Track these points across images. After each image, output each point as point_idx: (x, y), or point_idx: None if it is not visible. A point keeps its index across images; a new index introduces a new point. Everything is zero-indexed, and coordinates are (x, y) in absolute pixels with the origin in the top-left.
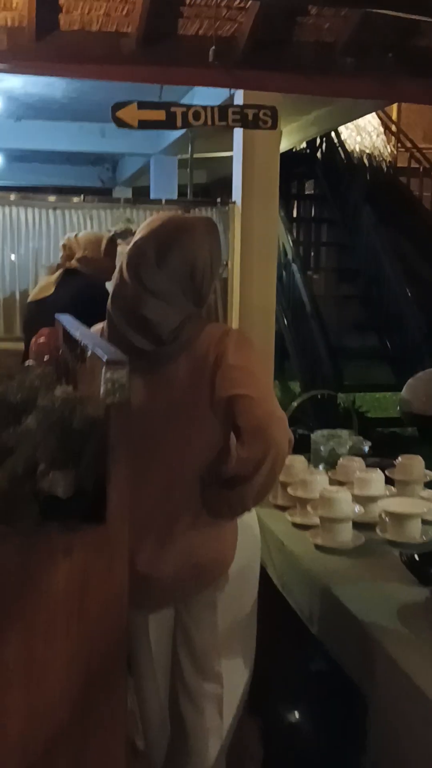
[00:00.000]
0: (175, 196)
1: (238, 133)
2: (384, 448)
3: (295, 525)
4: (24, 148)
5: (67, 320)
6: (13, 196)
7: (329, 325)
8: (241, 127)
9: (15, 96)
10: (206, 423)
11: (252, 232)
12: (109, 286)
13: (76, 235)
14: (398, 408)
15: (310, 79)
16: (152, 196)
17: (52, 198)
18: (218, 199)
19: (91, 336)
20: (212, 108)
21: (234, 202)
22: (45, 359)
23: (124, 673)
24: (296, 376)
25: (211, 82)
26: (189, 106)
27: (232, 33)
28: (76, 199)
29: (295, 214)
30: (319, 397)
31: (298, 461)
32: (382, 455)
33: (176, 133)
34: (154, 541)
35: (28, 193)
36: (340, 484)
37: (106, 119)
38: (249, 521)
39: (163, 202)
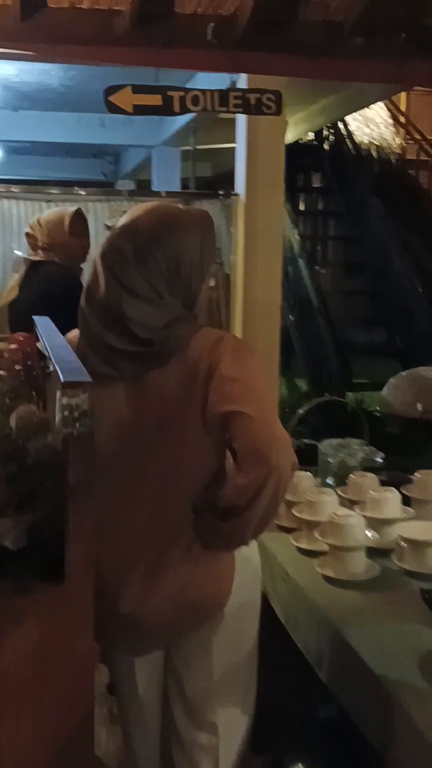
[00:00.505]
0: (177, 189)
1: (242, 122)
2: (394, 450)
3: (301, 551)
4: (23, 140)
5: (41, 323)
6: (10, 189)
7: (337, 320)
8: (243, 112)
9: (11, 85)
10: (198, 441)
11: (256, 226)
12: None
13: (38, 219)
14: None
15: (316, 61)
16: (154, 188)
17: (54, 190)
18: (221, 192)
19: (60, 345)
20: (212, 92)
21: (237, 195)
22: (16, 369)
23: (92, 747)
24: (303, 373)
25: (211, 65)
26: (187, 90)
27: (233, 12)
28: (82, 192)
29: (302, 208)
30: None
31: (304, 478)
32: (395, 462)
33: (178, 124)
34: (140, 576)
35: (27, 185)
36: (351, 503)
37: (105, 109)
38: (248, 552)
39: (164, 194)
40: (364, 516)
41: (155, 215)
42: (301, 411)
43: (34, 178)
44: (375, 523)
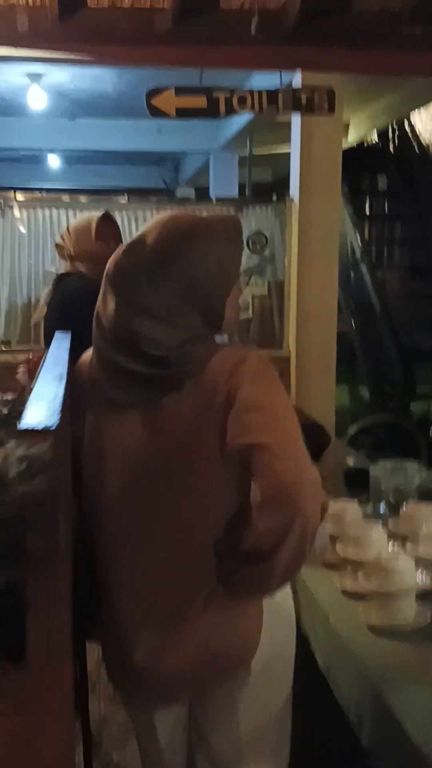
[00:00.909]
0: (235, 194)
1: (296, 124)
2: None
3: (345, 593)
4: (79, 149)
5: (57, 341)
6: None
7: (402, 325)
8: (293, 112)
9: (65, 92)
10: (218, 476)
11: (311, 231)
12: None
13: (68, 227)
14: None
15: (372, 54)
16: (211, 194)
17: (83, 199)
18: (274, 196)
19: (46, 373)
20: (260, 92)
21: (292, 200)
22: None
23: None
24: (365, 381)
25: (258, 62)
26: (233, 90)
27: (282, 4)
28: (122, 200)
29: (367, 211)
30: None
31: (350, 508)
32: None
33: (235, 128)
34: (157, 629)
35: (80, 194)
36: (403, 539)
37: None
38: (281, 598)
39: (214, 200)
40: (417, 555)
41: (165, 230)
42: (351, 431)
43: (93, 188)
44: (429, 563)
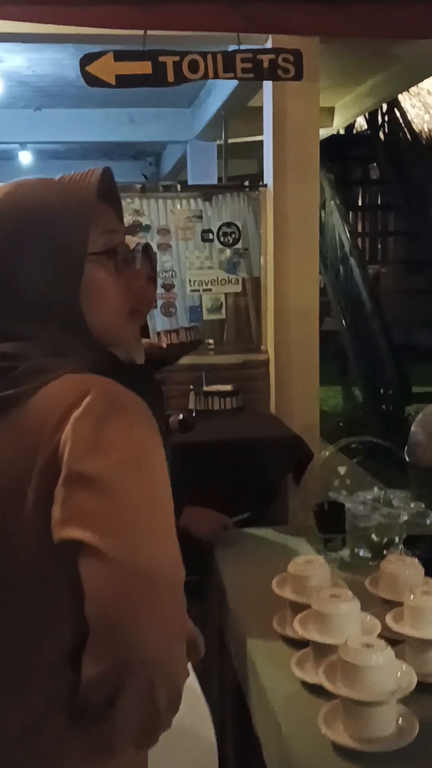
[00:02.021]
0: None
1: (268, 103)
2: None
3: (307, 686)
4: (47, 141)
5: None
6: None
7: (396, 323)
8: (253, 78)
9: (25, 80)
10: (47, 571)
11: (287, 222)
12: None
13: None
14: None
15: (347, 12)
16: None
17: None
18: (246, 183)
19: None
20: (214, 55)
21: (265, 185)
22: None
23: None
24: (357, 381)
25: (210, 23)
26: (183, 54)
27: None
28: None
29: (357, 202)
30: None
31: (317, 569)
32: None
33: (208, 115)
34: None
35: None
36: (386, 603)
37: (132, 104)
38: (191, 722)
39: (179, 188)
40: (401, 633)
41: None
42: (324, 453)
43: None
44: (416, 646)
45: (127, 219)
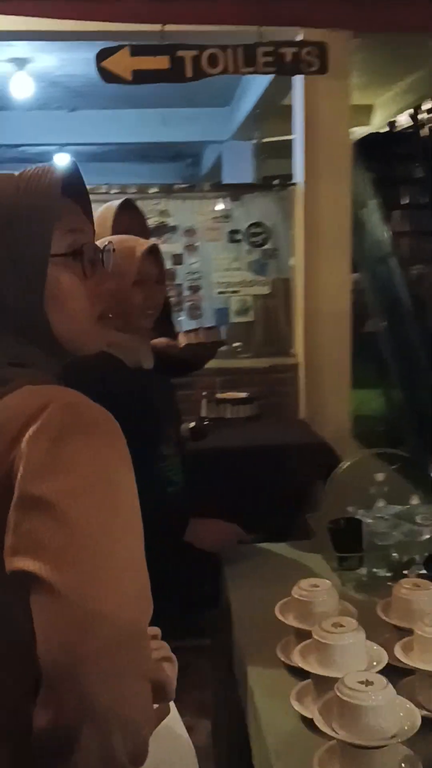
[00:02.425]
0: None
1: (298, 100)
2: None
3: (306, 721)
4: (81, 143)
5: None
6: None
7: None
8: (275, 72)
9: (56, 80)
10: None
11: (318, 221)
12: None
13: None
14: None
15: (377, 6)
16: None
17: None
18: (275, 181)
19: None
20: (235, 49)
21: (295, 184)
22: None
23: None
24: (396, 386)
25: (231, 17)
26: (203, 48)
27: None
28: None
29: (399, 201)
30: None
31: (322, 593)
32: None
33: (243, 114)
34: None
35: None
36: (398, 630)
37: (167, 104)
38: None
39: (206, 188)
40: (414, 667)
41: None
42: (340, 468)
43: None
44: (426, 678)
45: (153, 220)
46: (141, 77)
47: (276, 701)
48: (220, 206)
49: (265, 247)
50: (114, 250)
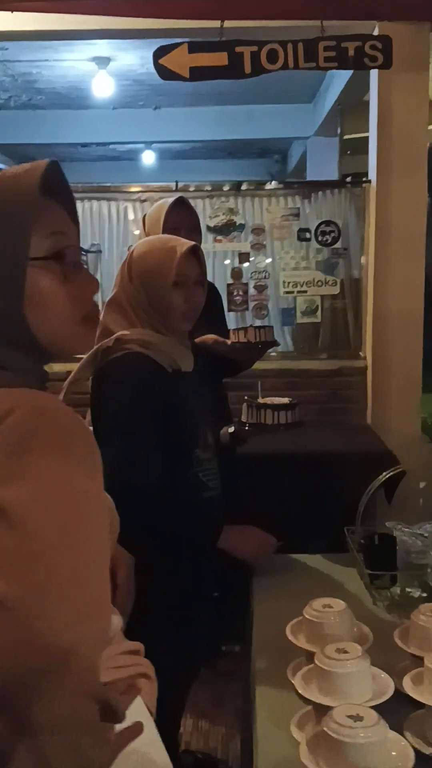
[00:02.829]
0: None
1: (374, 95)
2: None
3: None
4: (166, 140)
5: None
6: None
7: None
8: (337, 67)
9: (139, 78)
10: None
11: (391, 220)
12: None
13: (143, 217)
14: None
15: None
16: None
17: (136, 188)
18: (348, 178)
19: None
20: (295, 44)
21: (369, 182)
22: None
23: None
24: None
25: (294, 11)
26: (262, 43)
27: None
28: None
29: None
30: None
31: (334, 611)
32: None
33: (326, 110)
34: None
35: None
36: (415, 659)
37: (251, 100)
38: None
39: (272, 184)
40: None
41: None
42: (380, 480)
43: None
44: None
45: (221, 218)
46: (198, 74)
47: (277, 727)
48: (290, 204)
49: (335, 246)
50: (100, 251)
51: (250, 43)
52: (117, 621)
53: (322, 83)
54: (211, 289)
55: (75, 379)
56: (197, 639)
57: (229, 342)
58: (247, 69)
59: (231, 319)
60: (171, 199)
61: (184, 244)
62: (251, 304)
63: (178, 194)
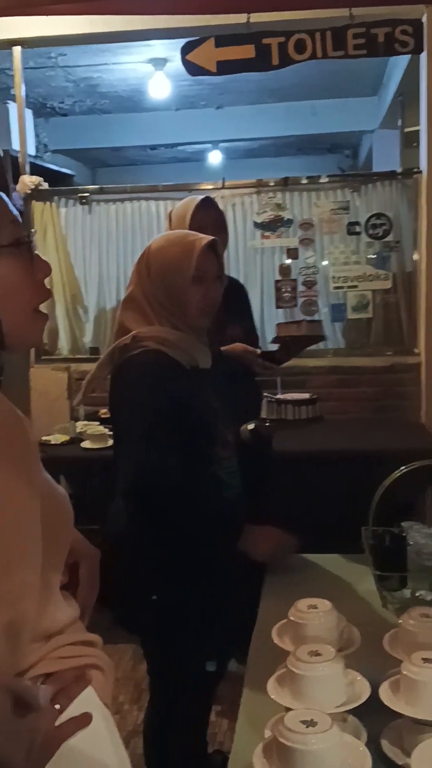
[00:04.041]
0: None
1: (424, 84)
2: None
3: None
4: (231, 139)
5: None
6: None
7: None
8: (366, 55)
9: (199, 79)
10: None
11: None
12: None
13: (169, 215)
14: None
15: None
16: None
17: (181, 186)
18: (398, 170)
19: None
20: (323, 32)
21: (420, 172)
22: None
23: None
24: None
25: (321, 1)
26: (289, 34)
27: None
28: (211, 186)
29: None
30: None
31: (318, 612)
32: None
33: (387, 102)
34: None
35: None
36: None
37: (314, 95)
38: None
39: (323, 178)
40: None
41: None
42: (388, 480)
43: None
44: (408, 725)
45: (268, 214)
46: (226, 68)
47: (255, 728)
48: (339, 197)
49: (387, 239)
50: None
51: (277, 34)
52: (71, 612)
53: (384, 74)
54: (238, 286)
55: (93, 378)
56: (221, 637)
57: (258, 351)
58: (275, 60)
59: (280, 317)
60: (198, 198)
61: (202, 239)
62: (300, 301)
63: (205, 193)
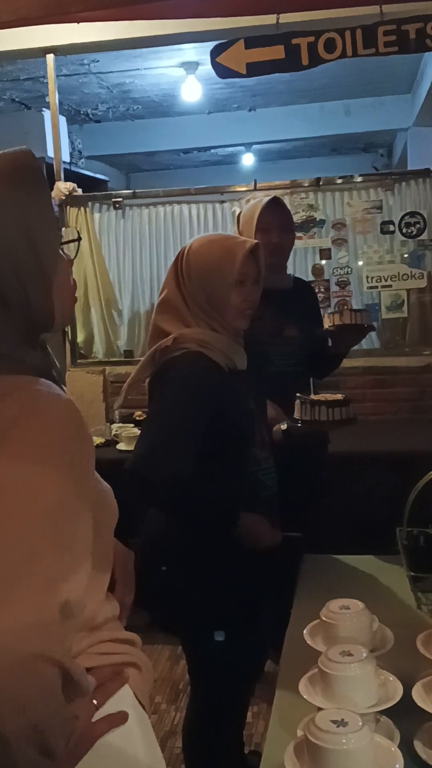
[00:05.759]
0: None
1: None
2: None
3: None
4: (265, 141)
5: None
6: None
7: None
8: (397, 52)
9: (230, 81)
10: None
11: None
12: None
13: (238, 216)
14: None
15: None
16: None
17: (213, 190)
18: (430, 168)
19: None
20: (353, 31)
21: None
22: None
23: None
24: None
25: None
26: (319, 33)
27: None
28: (244, 188)
29: None
30: None
31: (351, 612)
32: None
33: (421, 99)
34: None
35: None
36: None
37: (348, 95)
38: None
39: (357, 177)
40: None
41: None
42: (422, 481)
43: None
44: None
45: (301, 215)
46: (255, 69)
47: (287, 729)
48: (372, 197)
49: (421, 237)
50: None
51: (306, 34)
52: (111, 609)
53: (418, 71)
54: (306, 287)
55: (134, 380)
56: (258, 638)
57: (325, 325)
58: (305, 60)
59: None
60: (266, 199)
61: (245, 242)
62: (333, 301)
63: (273, 194)
